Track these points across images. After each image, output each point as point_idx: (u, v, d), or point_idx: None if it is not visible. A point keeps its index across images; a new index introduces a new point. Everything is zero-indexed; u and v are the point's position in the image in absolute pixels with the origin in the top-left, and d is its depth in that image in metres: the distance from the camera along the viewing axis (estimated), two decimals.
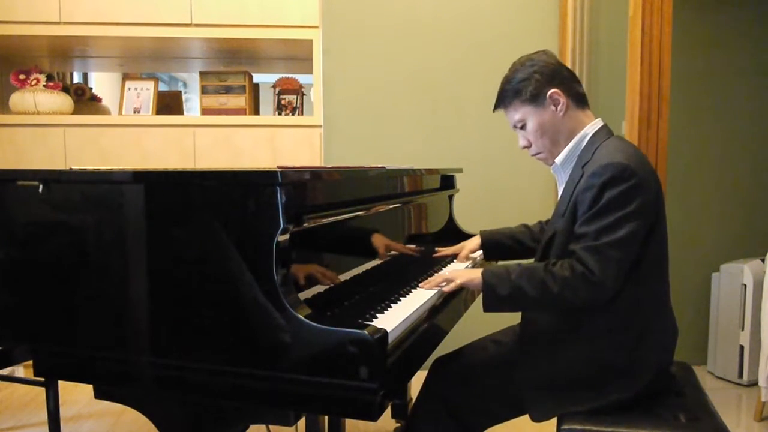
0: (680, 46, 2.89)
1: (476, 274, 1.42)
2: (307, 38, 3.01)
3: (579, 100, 1.50)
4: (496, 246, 1.89)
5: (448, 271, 1.54)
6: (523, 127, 1.53)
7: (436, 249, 2.01)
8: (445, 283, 1.50)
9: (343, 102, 3.05)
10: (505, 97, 1.52)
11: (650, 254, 1.39)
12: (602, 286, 1.31)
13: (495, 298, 1.38)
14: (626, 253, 1.32)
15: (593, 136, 1.49)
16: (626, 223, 1.31)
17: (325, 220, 1.34)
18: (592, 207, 1.34)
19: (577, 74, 2.93)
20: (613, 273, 1.31)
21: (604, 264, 1.30)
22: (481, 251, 1.93)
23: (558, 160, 1.52)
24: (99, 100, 3.58)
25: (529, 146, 1.55)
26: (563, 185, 1.54)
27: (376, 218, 1.67)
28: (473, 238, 1.95)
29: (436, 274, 1.73)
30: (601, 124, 1.52)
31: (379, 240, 1.69)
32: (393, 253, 1.78)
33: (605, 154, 1.39)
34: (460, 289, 1.52)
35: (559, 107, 1.47)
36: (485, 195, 3.06)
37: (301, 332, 1.10)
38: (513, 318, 1.65)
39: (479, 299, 1.43)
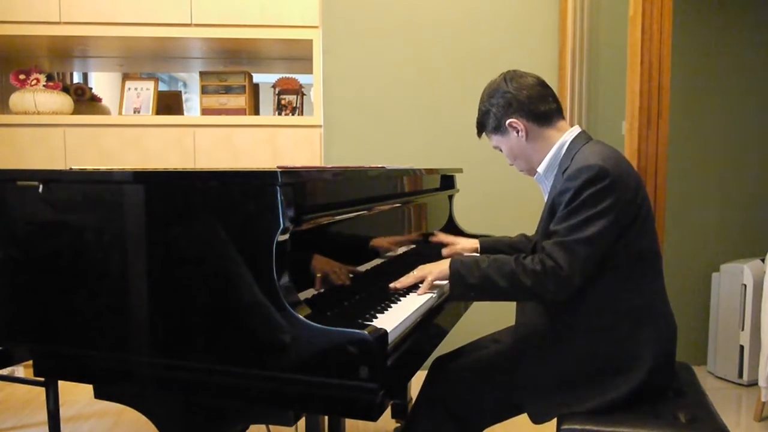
0: (680, 46, 2.89)
1: (444, 265, 1.47)
2: (307, 38, 3.01)
3: (545, 118, 1.54)
4: (493, 252, 1.88)
5: (417, 269, 1.55)
6: (501, 150, 1.64)
7: (434, 232, 2.03)
8: (419, 284, 1.52)
9: (343, 102, 3.05)
10: (478, 128, 1.65)
11: (638, 249, 1.42)
12: (569, 280, 1.35)
13: (462, 285, 1.42)
14: (595, 249, 1.36)
15: (571, 143, 1.53)
16: (597, 221, 1.35)
17: (325, 220, 1.34)
18: (567, 207, 1.39)
19: (577, 73, 2.96)
20: (580, 268, 1.36)
21: (572, 260, 1.35)
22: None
23: (540, 169, 1.58)
24: (99, 100, 3.57)
25: (513, 164, 1.67)
26: (548, 193, 1.57)
27: (376, 218, 1.67)
28: (471, 240, 1.96)
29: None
30: (578, 131, 1.57)
31: (379, 240, 1.69)
32: (393, 253, 1.78)
33: (581, 159, 1.44)
34: None
35: (520, 133, 1.55)
36: (485, 195, 3.06)
37: (301, 332, 1.10)
38: (513, 318, 1.66)
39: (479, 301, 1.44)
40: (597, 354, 1.43)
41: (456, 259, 1.47)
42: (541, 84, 1.56)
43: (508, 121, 1.54)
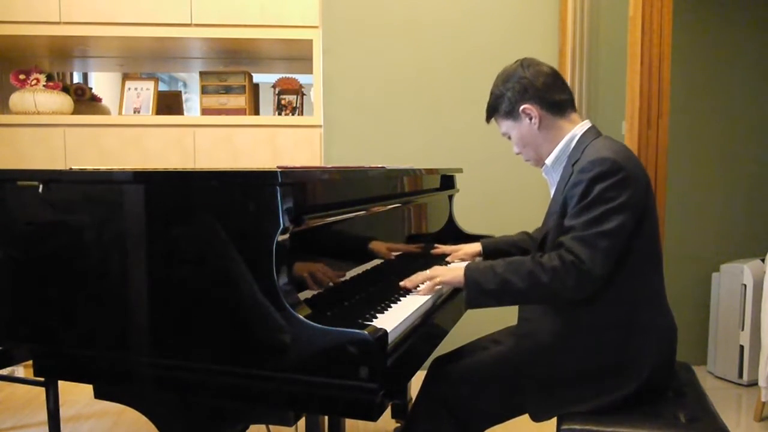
0: (680, 46, 2.89)
1: (458, 272, 1.43)
2: (307, 38, 3.01)
3: (559, 107, 1.53)
4: (497, 253, 1.88)
5: (430, 270, 1.54)
6: (510, 137, 1.61)
7: (435, 245, 2.02)
8: (425, 283, 1.50)
9: (343, 102, 3.05)
10: (489, 112, 1.62)
11: (641, 248, 1.41)
12: (590, 274, 1.32)
13: (480, 293, 1.38)
14: (614, 243, 1.34)
15: (582, 136, 1.52)
16: (615, 216, 1.33)
17: (325, 220, 1.34)
18: (581, 201, 1.37)
19: (578, 73, 2.96)
20: (601, 262, 1.32)
21: (592, 253, 1.32)
22: (478, 259, 1.92)
23: (548, 161, 1.56)
24: (99, 100, 3.57)
25: (520, 153, 1.63)
26: (555, 186, 1.56)
27: (376, 218, 1.67)
28: (474, 244, 1.95)
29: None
30: (589, 125, 1.55)
31: (379, 240, 1.69)
32: (393, 253, 1.78)
33: (593, 152, 1.42)
34: (460, 289, 1.52)
35: (533, 120, 1.52)
36: (485, 195, 3.06)
37: (301, 332, 1.09)
38: (513, 318, 1.66)
39: None
40: (597, 354, 1.43)
41: (470, 266, 1.42)
42: (556, 74, 1.55)
43: (522, 107, 1.52)
